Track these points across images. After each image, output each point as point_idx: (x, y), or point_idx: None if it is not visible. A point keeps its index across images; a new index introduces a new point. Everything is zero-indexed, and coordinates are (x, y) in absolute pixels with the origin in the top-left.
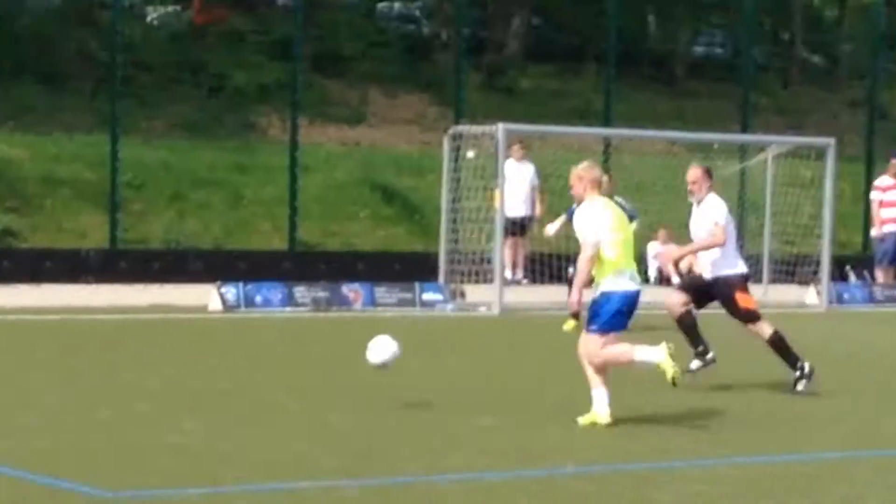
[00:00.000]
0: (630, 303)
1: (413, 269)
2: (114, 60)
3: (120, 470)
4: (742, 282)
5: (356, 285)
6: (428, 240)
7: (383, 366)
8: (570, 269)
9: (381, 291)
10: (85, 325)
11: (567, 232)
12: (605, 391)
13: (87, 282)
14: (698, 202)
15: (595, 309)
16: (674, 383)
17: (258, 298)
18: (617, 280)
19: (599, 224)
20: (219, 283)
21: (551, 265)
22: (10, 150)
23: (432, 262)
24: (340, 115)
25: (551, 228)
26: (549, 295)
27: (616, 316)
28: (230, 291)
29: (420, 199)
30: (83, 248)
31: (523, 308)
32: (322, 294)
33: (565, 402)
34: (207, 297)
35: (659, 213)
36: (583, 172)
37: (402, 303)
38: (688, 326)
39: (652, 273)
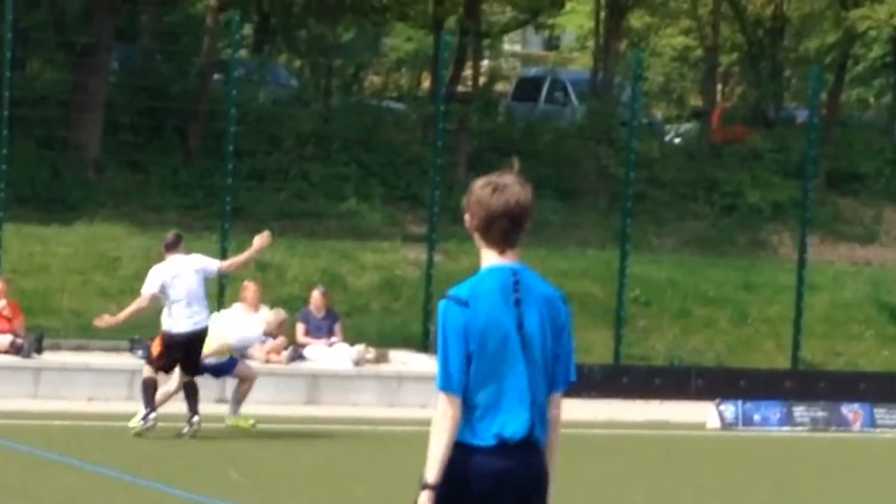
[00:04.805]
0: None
1: None
2: (628, 177)
3: None
4: None
5: (856, 406)
6: None
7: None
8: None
9: (881, 412)
10: (582, 439)
11: None
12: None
13: (591, 396)
14: None
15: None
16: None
17: (756, 417)
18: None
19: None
20: (718, 400)
21: None
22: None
23: None
24: (853, 233)
25: None
26: None
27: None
28: (729, 409)
29: None
30: (587, 364)
31: None
32: (821, 414)
33: None
34: (706, 414)
35: None
36: None
37: None
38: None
39: None
